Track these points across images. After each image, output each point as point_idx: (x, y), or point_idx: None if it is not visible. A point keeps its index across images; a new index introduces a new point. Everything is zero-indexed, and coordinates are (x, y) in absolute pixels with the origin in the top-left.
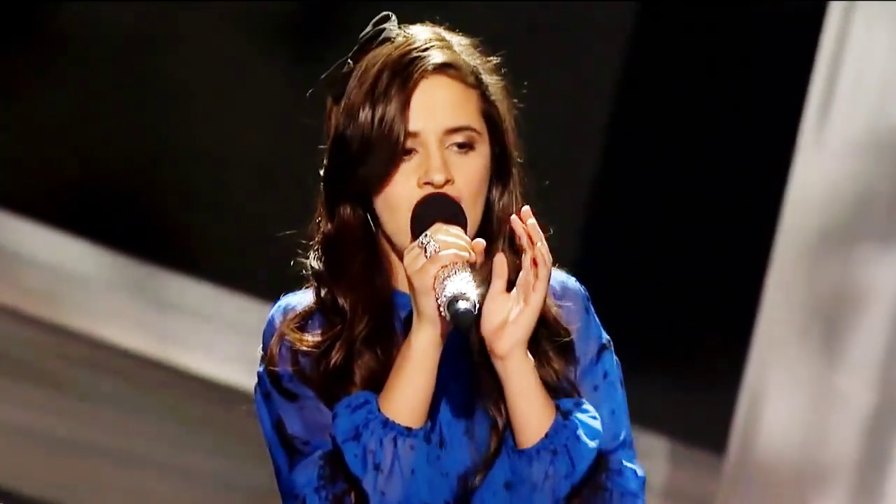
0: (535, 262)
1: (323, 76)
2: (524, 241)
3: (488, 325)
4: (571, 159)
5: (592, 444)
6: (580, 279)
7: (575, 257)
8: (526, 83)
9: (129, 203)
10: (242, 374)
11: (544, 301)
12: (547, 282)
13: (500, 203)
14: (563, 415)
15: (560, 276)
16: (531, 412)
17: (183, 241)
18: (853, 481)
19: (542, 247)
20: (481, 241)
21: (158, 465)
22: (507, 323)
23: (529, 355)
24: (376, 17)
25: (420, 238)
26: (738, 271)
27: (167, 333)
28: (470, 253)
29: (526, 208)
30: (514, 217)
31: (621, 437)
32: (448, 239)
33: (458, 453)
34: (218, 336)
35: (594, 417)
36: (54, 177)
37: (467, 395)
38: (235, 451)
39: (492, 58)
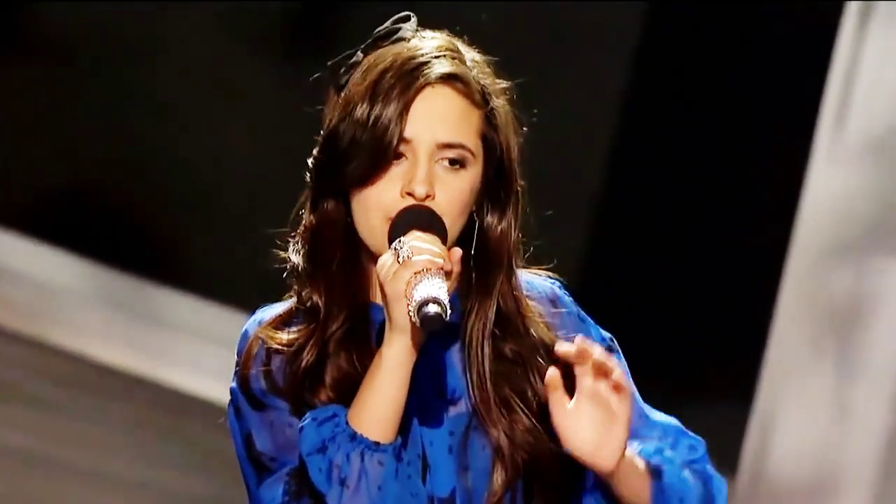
0: (616, 389)
1: (330, 63)
2: (578, 363)
3: (581, 449)
4: (576, 168)
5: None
6: (586, 295)
7: (580, 271)
8: (535, 109)
9: (113, 213)
10: None
11: (537, 329)
12: (630, 398)
13: (498, 229)
14: (655, 475)
15: (546, 284)
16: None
17: (169, 253)
18: (870, 502)
19: (617, 370)
20: (457, 250)
21: (145, 487)
22: (601, 444)
23: (629, 450)
24: (398, 15)
25: (393, 244)
26: (749, 284)
27: (153, 349)
28: (445, 260)
29: (581, 340)
30: (578, 343)
31: (662, 441)
32: (422, 245)
33: (444, 475)
34: (206, 352)
35: (681, 467)
36: (35, 185)
37: (451, 414)
38: (226, 473)
39: (503, 81)
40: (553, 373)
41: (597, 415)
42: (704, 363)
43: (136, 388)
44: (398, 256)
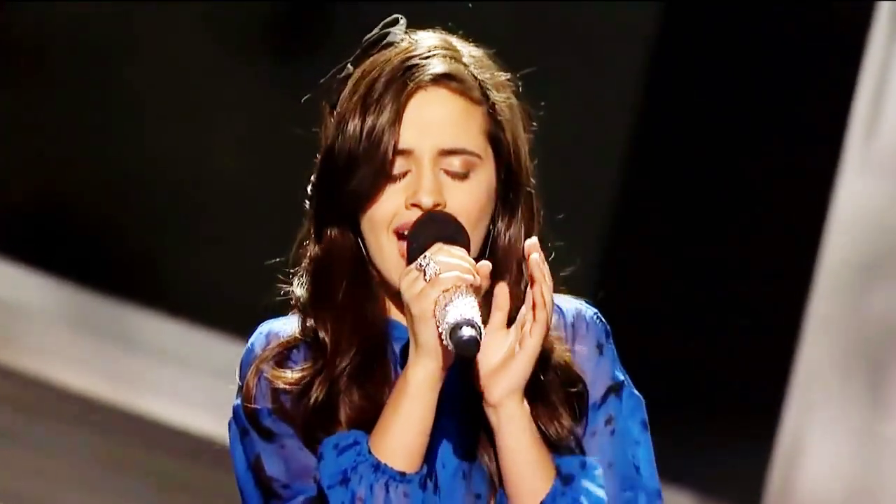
0: (533, 304)
1: (322, 81)
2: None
3: (484, 365)
4: (590, 178)
5: None
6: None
7: (592, 292)
8: (543, 104)
9: (88, 230)
10: (214, 421)
11: (548, 345)
12: (545, 326)
13: (507, 235)
14: (564, 480)
15: (576, 305)
16: (525, 472)
17: (148, 273)
18: None
19: (543, 287)
20: (487, 264)
21: None
22: (498, 372)
23: (526, 404)
24: (385, 20)
25: (419, 259)
26: (774, 306)
27: (130, 375)
28: (474, 276)
29: (533, 240)
30: (527, 244)
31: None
32: (450, 260)
33: (455, 500)
34: (186, 379)
35: (601, 486)
36: (2, 200)
37: (465, 435)
38: None
39: (506, 74)
40: (501, 291)
41: (510, 343)
42: (724, 390)
43: (106, 417)
44: (424, 273)
